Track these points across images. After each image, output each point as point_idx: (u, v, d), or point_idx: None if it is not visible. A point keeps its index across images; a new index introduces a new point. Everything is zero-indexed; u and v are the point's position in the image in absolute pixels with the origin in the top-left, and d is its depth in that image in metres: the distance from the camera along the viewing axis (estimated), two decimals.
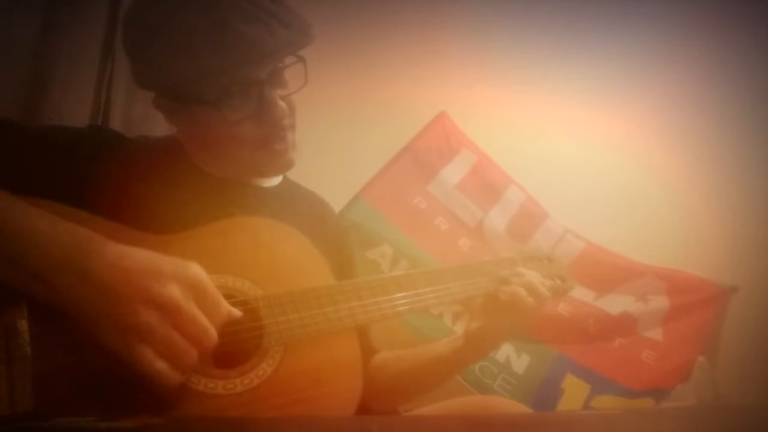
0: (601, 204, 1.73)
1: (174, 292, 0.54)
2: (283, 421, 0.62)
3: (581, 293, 1.61)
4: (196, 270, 0.57)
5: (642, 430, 0.58)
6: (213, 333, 0.57)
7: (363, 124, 1.72)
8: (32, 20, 1.28)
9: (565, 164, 1.75)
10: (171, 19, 0.73)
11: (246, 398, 0.63)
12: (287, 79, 0.80)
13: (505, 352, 1.50)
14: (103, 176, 0.74)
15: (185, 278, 0.56)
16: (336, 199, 1.10)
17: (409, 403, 0.94)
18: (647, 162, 1.76)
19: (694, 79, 1.78)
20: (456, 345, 0.88)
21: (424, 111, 1.74)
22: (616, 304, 1.62)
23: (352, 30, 1.73)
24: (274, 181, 0.93)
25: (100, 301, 0.53)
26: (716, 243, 1.68)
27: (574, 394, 1.49)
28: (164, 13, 0.74)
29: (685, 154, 1.76)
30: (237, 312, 0.61)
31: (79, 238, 0.56)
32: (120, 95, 1.41)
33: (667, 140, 1.77)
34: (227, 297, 0.65)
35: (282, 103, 0.77)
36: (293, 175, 0.96)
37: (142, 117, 1.35)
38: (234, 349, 0.64)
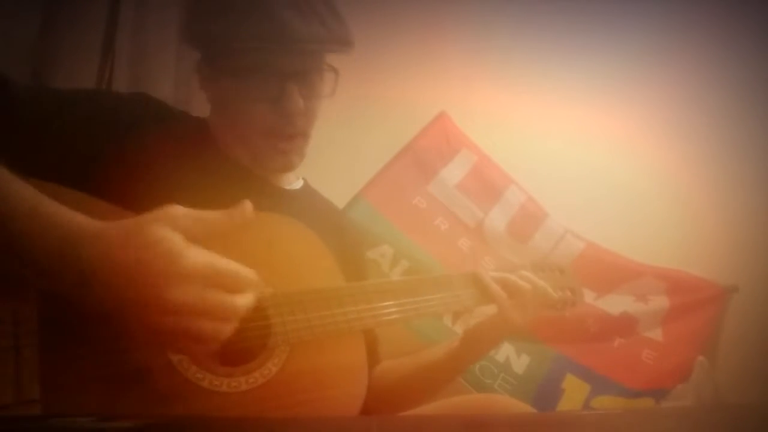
0: (601, 204, 1.73)
1: (179, 295, 0.51)
2: (283, 421, 0.62)
3: None
4: (189, 261, 0.52)
5: (642, 430, 0.58)
6: (242, 301, 0.54)
7: (363, 124, 1.71)
8: (32, 20, 1.29)
9: (565, 164, 1.75)
10: None
11: (250, 397, 0.63)
12: (317, 84, 0.81)
13: (505, 352, 1.50)
14: (128, 150, 0.74)
15: (182, 275, 0.52)
16: (336, 198, 1.10)
17: (414, 408, 0.94)
18: (647, 162, 1.76)
19: (695, 79, 1.78)
20: (453, 346, 0.88)
21: (424, 111, 1.73)
22: (616, 304, 1.62)
23: (352, 29, 1.72)
24: (296, 184, 0.93)
25: (109, 306, 0.51)
26: (716, 243, 1.68)
27: (574, 394, 1.49)
28: None
29: (685, 154, 1.75)
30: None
31: (69, 231, 0.52)
32: None
33: (667, 140, 1.77)
34: None
35: (300, 101, 0.78)
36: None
37: None
38: (240, 347, 0.64)
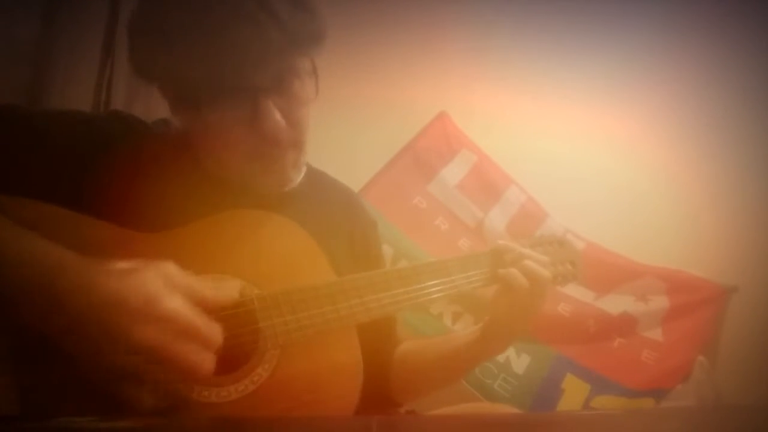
0: (601, 204, 1.73)
1: (147, 335, 0.50)
2: (282, 421, 0.62)
3: (581, 293, 1.61)
4: (166, 305, 0.52)
5: (642, 430, 0.57)
6: (206, 363, 0.53)
7: (363, 124, 1.71)
8: (32, 20, 1.29)
9: (565, 164, 1.75)
10: (167, 14, 0.66)
11: (241, 406, 0.61)
12: (296, 90, 0.71)
13: (506, 352, 1.50)
14: (107, 168, 0.70)
15: (156, 317, 0.51)
16: None
17: (426, 396, 0.92)
18: (647, 162, 1.76)
19: (695, 79, 1.78)
20: (471, 338, 0.84)
21: (424, 111, 1.74)
22: (616, 304, 1.62)
23: (352, 29, 1.72)
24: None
25: (72, 338, 0.50)
26: (717, 243, 1.68)
27: (574, 394, 1.49)
28: (162, 7, 0.67)
29: (686, 154, 1.75)
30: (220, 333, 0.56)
31: (47, 266, 0.52)
32: (120, 95, 1.41)
33: (668, 140, 1.77)
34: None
35: (278, 116, 0.68)
36: None
37: (141, 117, 1.35)
38: (229, 353, 0.62)
